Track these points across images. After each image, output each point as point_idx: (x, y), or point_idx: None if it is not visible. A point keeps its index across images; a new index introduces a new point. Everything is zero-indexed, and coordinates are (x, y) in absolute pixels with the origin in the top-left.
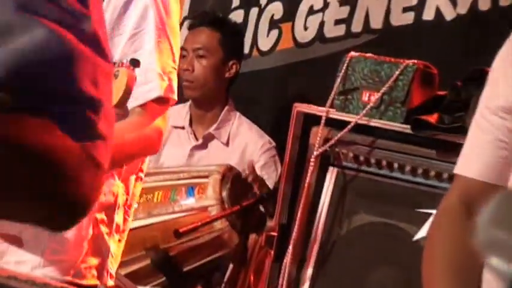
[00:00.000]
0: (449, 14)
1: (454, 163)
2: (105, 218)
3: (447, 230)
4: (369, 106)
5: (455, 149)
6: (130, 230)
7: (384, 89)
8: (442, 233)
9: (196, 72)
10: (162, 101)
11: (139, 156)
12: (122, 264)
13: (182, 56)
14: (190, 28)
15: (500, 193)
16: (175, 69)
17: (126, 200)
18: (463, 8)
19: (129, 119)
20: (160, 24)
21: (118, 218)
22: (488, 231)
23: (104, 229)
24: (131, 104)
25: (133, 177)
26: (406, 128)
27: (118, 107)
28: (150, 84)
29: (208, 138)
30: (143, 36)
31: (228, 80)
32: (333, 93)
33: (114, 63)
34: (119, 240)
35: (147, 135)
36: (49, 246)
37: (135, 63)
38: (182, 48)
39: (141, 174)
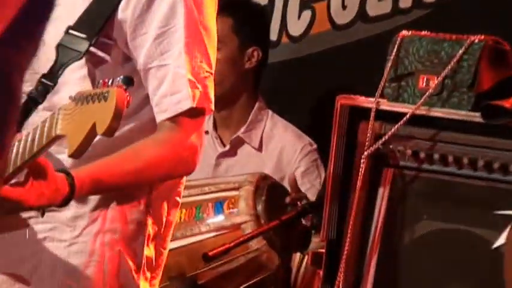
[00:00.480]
0: None
1: None
2: (130, 251)
3: None
4: (428, 93)
5: None
6: None
7: (445, 72)
8: None
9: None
10: (196, 113)
11: (169, 177)
12: None
13: None
14: None
15: None
16: (211, 73)
17: (159, 230)
18: None
19: (156, 134)
20: (191, 22)
21: (148, 251)
22: None
23: (130, 264)
24: (159, 116)
25: (165, 204)
26: (476, 116)
27: (107, 134)
28: (179, 93)
29: (236, 143)
30: (171, 36)
31: (251, 71)
32: (383, 80)
33: (105, 82)
34: (152, 278)
35: (178, 153)
36: (64, 284)
37: (128, 81)
38: None
39: (178, 199)
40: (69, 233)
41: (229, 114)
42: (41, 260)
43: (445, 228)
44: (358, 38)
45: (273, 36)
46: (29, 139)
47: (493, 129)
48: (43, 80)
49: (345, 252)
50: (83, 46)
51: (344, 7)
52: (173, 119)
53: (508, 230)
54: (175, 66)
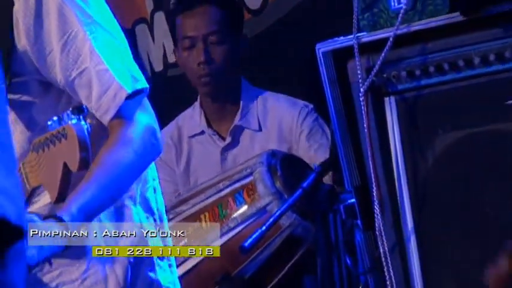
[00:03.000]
0: None
1: None
2: (144, 257)
3: None
4: (402, 11)
5: None
6: (193, 269)
7: None
8: None
9: (215, 63)
10: (134, 97)
11: (143, 168)
12: None
13: (189, 47)
14: (185, 9)
15: None
16: (126, 46)
17: (155, 221)
18: None
19: (111, 137)
20: (84, 17)
21: (154, 243)
22: None
23: (152, 275)
24: (105, 119)
25: (151, 190)
26: (456, 16)
27: (82, 168)
28: (111, 88)
29: (237, 133)
30: (75, 40)
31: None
32: (355, 15)
33: (58, 119)
34: (169, 266)
35: (138, 143)
36: None
37: (77, 111)
38: (188, 37)
39: (156, 183)
40: (77, 271)
41: (222, 106)
42: None
43: (465, 135)
44: None
45: (254, 5)
46: None
47: (479, 22)
48: None
49: (375, 192)
50: None
51: None
52: (118, 114)
53: None
54: (93, 66)
